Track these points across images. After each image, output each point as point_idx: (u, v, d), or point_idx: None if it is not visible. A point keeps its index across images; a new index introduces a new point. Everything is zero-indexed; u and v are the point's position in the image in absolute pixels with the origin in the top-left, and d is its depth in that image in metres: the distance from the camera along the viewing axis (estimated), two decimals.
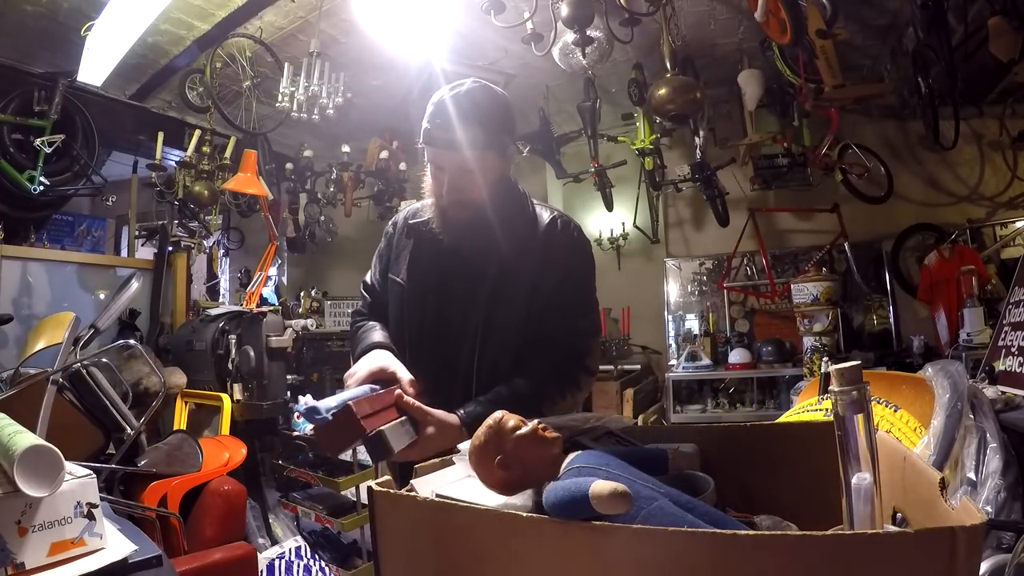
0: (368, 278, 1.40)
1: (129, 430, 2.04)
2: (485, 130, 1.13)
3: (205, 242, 4.22)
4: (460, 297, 1.20)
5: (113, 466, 1.94)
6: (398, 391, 1.03)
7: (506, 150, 1.18)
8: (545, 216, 1.26)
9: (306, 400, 0.98)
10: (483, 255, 1.20)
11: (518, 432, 0.66)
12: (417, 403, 1.03)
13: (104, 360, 2.16)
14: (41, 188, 3.24)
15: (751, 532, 0.58)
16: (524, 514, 0.56)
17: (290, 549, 2.56)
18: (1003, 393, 1.85)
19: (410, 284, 1.26)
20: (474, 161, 1.13)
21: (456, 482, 0.76)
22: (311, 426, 0.99)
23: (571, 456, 0.66)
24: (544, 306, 1.18)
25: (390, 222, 1.39)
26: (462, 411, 1.06)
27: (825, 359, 3.28)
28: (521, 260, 1.19)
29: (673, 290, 5.05)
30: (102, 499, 0.88)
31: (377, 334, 1.25)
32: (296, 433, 3.02)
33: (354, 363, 1.18)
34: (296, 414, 3.02)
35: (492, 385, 1.14)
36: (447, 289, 1.22)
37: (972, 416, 1.35)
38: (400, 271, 1.29)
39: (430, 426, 1.02)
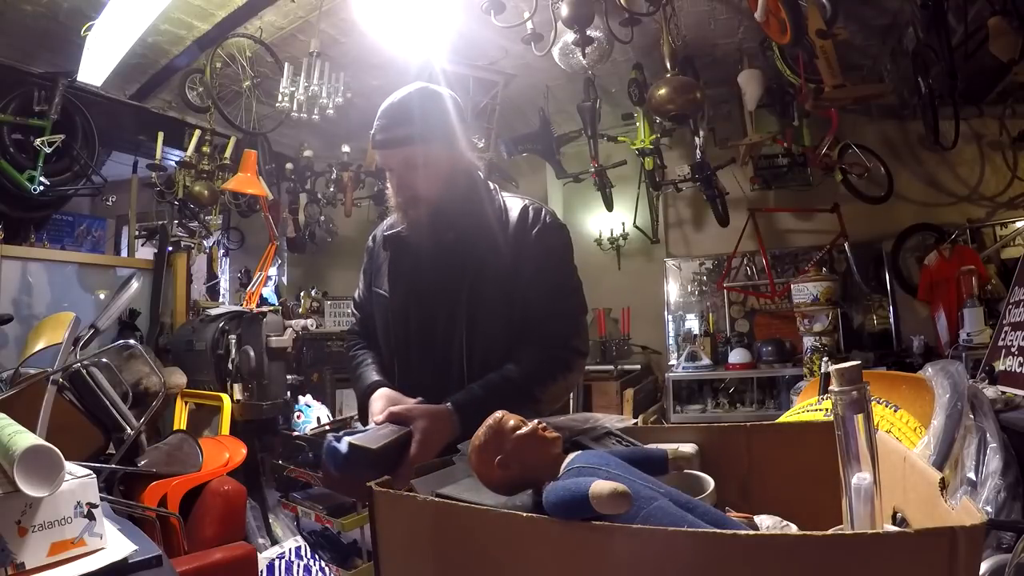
0: (356, 296, 1.43)
1: (129, 430, 2.04)
2: (422, 125, 1.16)
3: (205, 242, 4.21)
4: (441, 298, 1.21)
5: (113, 466, 1.94)
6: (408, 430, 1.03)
7: (452, 144, 1.20)
8: (516, 206, 1.26)
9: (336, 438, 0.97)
10: (457, 253, 1.21)
11: (518, 432, 0.66)
12: (400, 407, 1.05)
13: (104, 360, 2.16)
14: (41, 188, 3.24)
15: (751, 532, 0.59)
16: (524, 514, 0.56)
17: (290, 549, 2.56)
18: (1003, 393, 1.86)
19: (392, 294, 1.28)
20: (416, 156, 1.17)
21: (456, 482, 0.76)
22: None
23: (571, 456, 0.66)
24: (525, 294, 1.18)
25: (369, 237, 1.42)
26: (451, 398, 1.08)
27: (825, 359, 3.27)
28: (496, 252, 1.20)
29: (673, 290, 5.05)
30: (102, 499, 0.88)
31: (373, 372, 1.27)
32: (296, 433, 3.03)
33: (358, 400, 1.25)
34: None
35: None
36: (427, 293, 1.23)
37: (972, 416, 1.35)
38: (382, 283, 1.31)
39: (419, 420, 1.03)
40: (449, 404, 1.07)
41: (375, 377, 1.25)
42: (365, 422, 1.24)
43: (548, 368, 1.16)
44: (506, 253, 1.20)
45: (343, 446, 0.93)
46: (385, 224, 1.39)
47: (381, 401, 1.14)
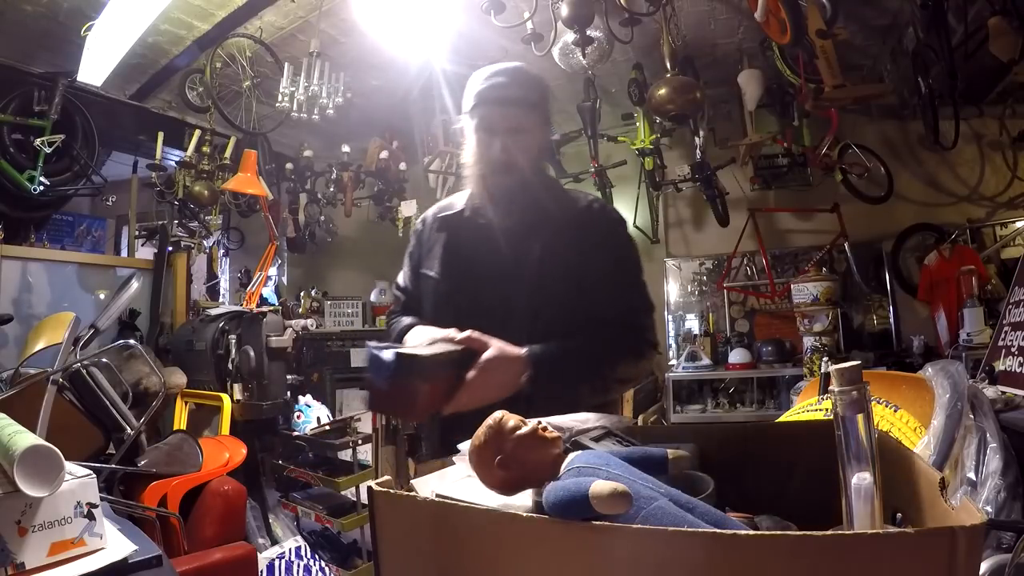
0: (400, 280, 1.39)
1: (129, 430, 2.04)
2: (534, 93, 1.17)
3: (205, 242, 4.22)
4: (500, 282, 1.18)
5: (113, 466, 1.94)
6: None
7: (547, 125, 1.23)
8: (581, 199, 1.26)
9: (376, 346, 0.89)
10: (520, 239, 1.18)
11: (518, 432, 0.66)
12: (479, 334, 1.02)
13: (104, 360, 2.16)
14: (41, 188, 3.24)
15: (751, 532, 0.58)
16: (524, 514, 0.56)
17: (290, 549, 2.56)
18: (1003, 393, 1.86)
19: (443, 275, 1.25)
20: (525, 121, 1.16)
21: (456, 482, 0.76)
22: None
23: (571, 456, 0.66)
24: (595, 288, 1.16)
25: (418, 220, 1.38)
26: (528, 348, 1.06)
27: (825, 359, 3.27)
28: (563, 241, 1.17)
29: (673, 290, 5.04)
30: (102, 499, 0.88)
31: (408, 319, 1.27)
32: (296, 433, 3.03)
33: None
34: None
35: None
36: (485, 276, 1.20)
37: (972, 416, 1.35)
38: (433, 265, 1.27)
39: (492, 349, 1.00)
40: (525, 350, 1.05)
41: (411, 320, 1.24)
42: None
43: (622, 351, 1.16)
44: (574, 245, 1.18)
45: (389, 355, 0.85)
46: (439, 207, 1.36)
47: (423, 332, 1.11)
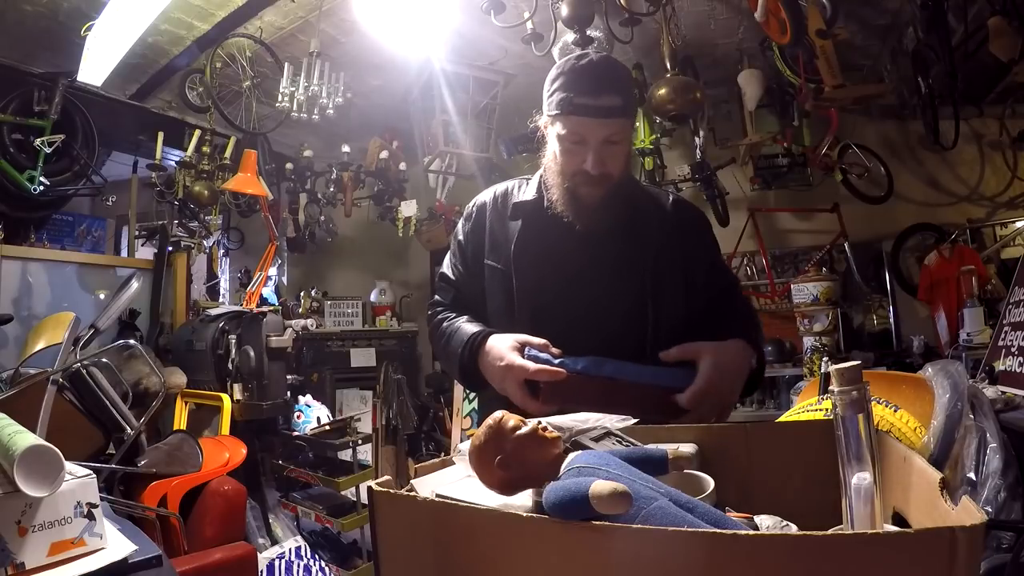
0: (449, 271, 1.27)
1: (129, 430, 2.04)
2: (629, 96, 1.08)
3: (205, 242, 4.21)
4: (603, 285, 1.13)
5: (113, 466, 1.94)
6: None
7: (634, 122, 1.21)
8: (664, 195, 1.24)
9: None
10: (631, 237, 1.13)
11: (518, 432, 0.66)
12: (690, 344, 1.02)
13: (104, 360, 2.16)
14: (41, 188, 3.23)
15: (751, 532, 0.58)
16: (524, 514, 0.56)
17: (290, 549, 2.56)
18: (1003, 393, 1.86)
19: (521, 271, 1.15)
20: (620, 132, 1.08)
21: (456, 482, 0.76)
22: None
23: (571, 456, 0.66)
24: (707, 285, 1.16)
25: (472, 206, 1.27)
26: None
27: (825, 359, 3.27)
28: (671, 245, 1.14)
29: None
30: (102, 499, 0.89)
31: (474, 325, 1.15)
32: (296, 433, 3.03)
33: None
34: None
35: None
36: (579, 278, 1.14)
37: (972, 416, 1.35)
38: (503, 257, 1.17)
39: (707, 354, 0.99)
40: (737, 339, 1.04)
41: (477, 327, 1.13)
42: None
43: (756, 322, 1.18)
44: (678, 243, 1.15)
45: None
46: (498, 192, 1.25)
47: (510, 340, 1.03)
